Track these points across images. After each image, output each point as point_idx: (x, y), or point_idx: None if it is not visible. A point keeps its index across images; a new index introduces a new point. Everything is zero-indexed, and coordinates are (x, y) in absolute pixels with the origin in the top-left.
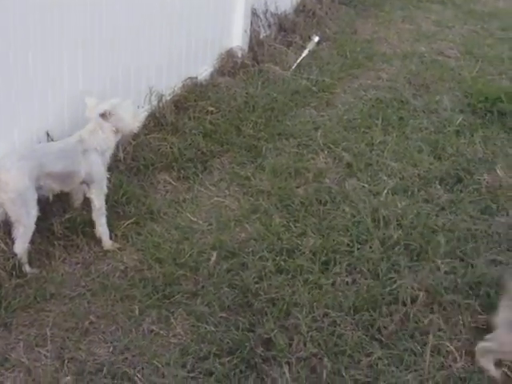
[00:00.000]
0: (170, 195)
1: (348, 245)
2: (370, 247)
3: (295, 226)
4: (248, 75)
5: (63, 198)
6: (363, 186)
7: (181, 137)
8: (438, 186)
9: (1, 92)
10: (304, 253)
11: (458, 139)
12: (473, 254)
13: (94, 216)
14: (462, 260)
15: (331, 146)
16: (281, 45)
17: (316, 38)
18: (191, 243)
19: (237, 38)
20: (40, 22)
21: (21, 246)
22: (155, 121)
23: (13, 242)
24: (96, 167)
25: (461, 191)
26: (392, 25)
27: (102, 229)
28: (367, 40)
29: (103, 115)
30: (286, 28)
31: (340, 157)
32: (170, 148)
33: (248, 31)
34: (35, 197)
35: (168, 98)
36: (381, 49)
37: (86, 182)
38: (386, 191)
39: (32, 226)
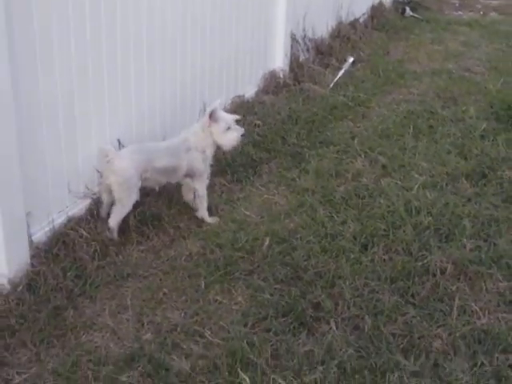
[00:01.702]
0: (225, 195)
1: (384, 230)
2: (404, 231)
3: (337, 217)
4: (290, 93)
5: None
6: (396, 183)
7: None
8: (465, 181)
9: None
10: (345, 237)
11: (483, 142)
12: (495, 235)
13: (198, 202)
14: (485, 240)
15: (367, 151)
16: (318, 66)
17: (351, 59)
18: (246, 232)
19: (279, 61)
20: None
21: (114, 220)
22: None
23: (94, 232)
24: (196, 163)
25: (485, 185)
26: (422, 46)
27: (203, 212)
28: (398, 60)
29: (210, 115)
30: (323, 51)
31: (375, 160)
32: (223, 155)
33: (288, 54)
34: (138, 185)
35: None
36: (411, 67)
37: (190, 175)
38: (417, 186)
39: (129, 207)
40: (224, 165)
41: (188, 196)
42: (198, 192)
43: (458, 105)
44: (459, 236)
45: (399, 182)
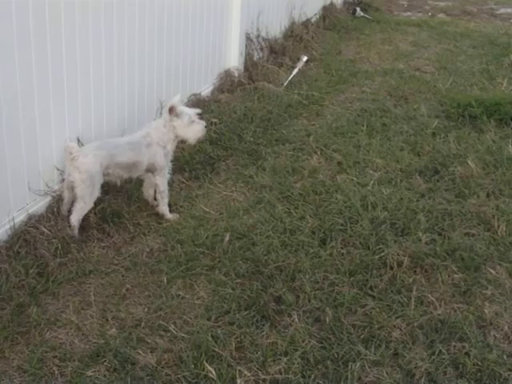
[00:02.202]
0: (184, 192)
1: (342, 224)
2: (361, 225)
3: (295, 212)
4: (245, 92)
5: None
6: (352, 179)
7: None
8: (418, 177)
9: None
10: (304, 232)
11: (435, 139)
12: (449, 228)
13: (158, 197)
14: (439, 234)
15: (323, 148)
16: (272, 65)
17: (305, 58)
18: (206, 228)
19: (233, 60)
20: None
21: (76, 217)
22: None
23: (55, 229)
24: (158, 158)
25: (438, 181)
26: (372, 46)
27: (164, 207)
28: (350, 60)
29: (170, 110)
30: (277, 51)
31: (331, 157)
32: (181, 153)
33: (243, 53)
34: (101, 181)
35: None
36: (363, 67)
37: (150, 170)
38: (372, 182)
39: (91, 204)
40: (182, 162)
41: (148, 192)
42: (159, 187)
43: (409, 103)
44: (414, 230)
45: (355, 179)
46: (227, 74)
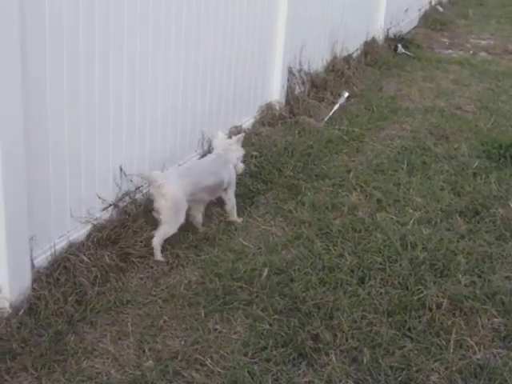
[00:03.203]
0: (223, 224)
1: (380, 263)
2: (400, 265)
3: (334, 249)
4: (286, 126)
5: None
6: (392, 218)
7: None
8: (458, 218)
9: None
10: (343, 269)
11: (475, 180)
12: (489, 271)
13: (230, 209)
14: (479, 276)
15: (362, 185)
16: (313, 100)
17: (346, 93)
18: (245, 262)
19: (275, 93)
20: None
21: (158, 240)
22: None
23: (95, 258)
24: (232, 175)
25: (478, 222)
26: (414, 83)
27: (233, 218)
28: (391, 96)
29: (238, 140)
30: (318, 85)
31: (371, 194)
32: None
33: (285, 87)
34: (186, 207)
35: None
36: (404, 104)
37: (226, 188)
38: (412, 221)
39: (174, 230)
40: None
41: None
42: (231, 201)
43: (450, 142)
44: (454, 271)
45: (394, 217)
46: (268, 107)
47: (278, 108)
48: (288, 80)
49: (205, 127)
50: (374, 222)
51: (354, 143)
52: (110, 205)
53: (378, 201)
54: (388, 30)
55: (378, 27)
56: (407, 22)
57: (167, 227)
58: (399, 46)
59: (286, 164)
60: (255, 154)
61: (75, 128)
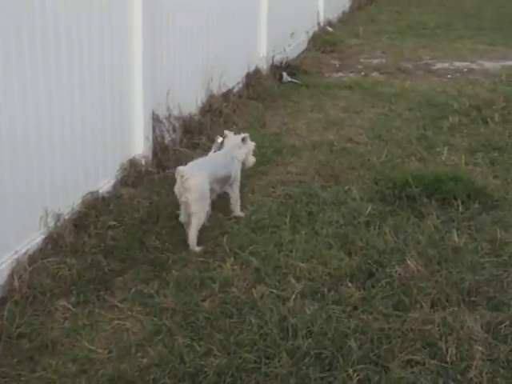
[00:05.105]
0: (68, 323)
1: (255, 361)
2: (279, 361)
3: (199, 346)
4: (153, 183)
5: None
6: (271, 292)
7: (81, 257)
8: (349, 284)
9: None
10: (208, 375)
11: (368, 230)
12: (387, 355)
13: (234, 204)
14: (376, 363)
15: (238, 251)
16: (186, 148)
17: (219, 139)
18: (88, 377)
19: (139, 147)
20: None
21: (194, 233)
22: (53, 243)
23: None
24: (238, 171)
25: (373, 286)
26: (301, 115)
27: (237, 213)
28: (276, 133)
29: (243, 139)
30: (192, 130)
31: (247, 262)
32: (69, 271)
33: (150, 138)
34: (209, 197)
35: (66, 217)
36: (290, 141)
37: (231, 183)
38: (294, 296)
39: (203, 220)
40: (68, 283)
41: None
42: (236, 195)
43: (339, 183)
44: (344, 363)
45: (274, 291)
46: (132, 163)
47: (143, 163)
48: (154, 129)
49: (47, 202)
50: (250, 301)
51: (228, 198)
52: None
53: (256, 270)
54: (273, 57)
55: (260, 56)
56: (294, 47)
57: (198, 218)
58: (284, 74)
59: (150, 233)
60: (113, 223)
61: None
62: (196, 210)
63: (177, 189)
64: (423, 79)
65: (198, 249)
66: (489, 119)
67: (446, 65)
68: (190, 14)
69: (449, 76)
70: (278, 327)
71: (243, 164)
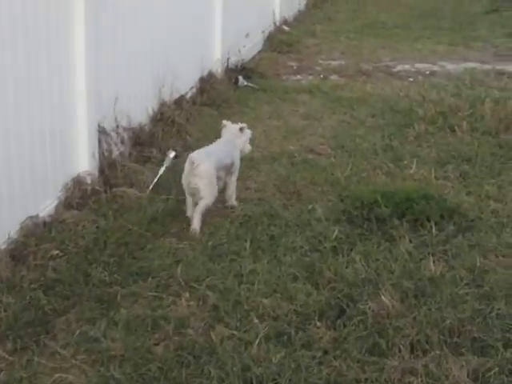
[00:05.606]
0: (4, 375)
1: None
2: None
3: None
4: (99, 204)
5: None
6: (232, 335)
7: (18, 295)
8: (318, 323)
9: None
10: None
11: (336, 258)
12: None
13: (230, 193)
14: None
15: (194, 285)
16: (136, 163)
17: (172, 154)
18: None
19: (83, 164)
20: None
21: (199, 212)
22: None
23: None
24: (238, 160)
25: (344, 326)
26: (258, 123)
27: (232, 202)
28: None
29: (241, 129)
30: (142, 142)
31: (204, 297)
32: (5, 311)
33: (96, 153)
34: (216, 182)
35: (2, 247)
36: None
37: (232, 171)
38: (258, 340)
39: (210, 204)
40: (4, 327)
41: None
42: (234, 184)
43: (302, 201)
44: None
45: (235, 333)
46: (76, 182)
47: (89, 181)
48: (100, 143)
49: None
50: (209, 346)
51: (184, 218)
52: None
53: (215, 307)
54: (228, 59)
55: (214, 59)
56: (249, 48)
57: (206, 201)
58: (240, 77)
59: (97, 263)
60: (55, 253)
61: None
62: (205, 195)
63: (185, 177)
64: (384, 82)
65: (198, 226)
66: (456, 127)
67: (406, 67)
68: (138, 15)
69: (411, 79)
70: (240, 378)
71: (241, 152)
